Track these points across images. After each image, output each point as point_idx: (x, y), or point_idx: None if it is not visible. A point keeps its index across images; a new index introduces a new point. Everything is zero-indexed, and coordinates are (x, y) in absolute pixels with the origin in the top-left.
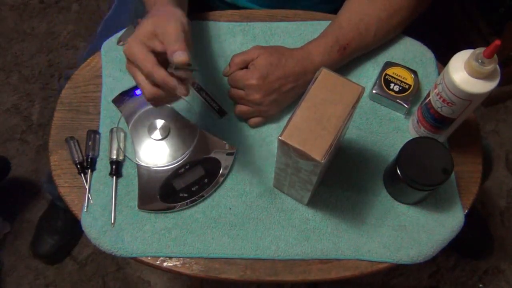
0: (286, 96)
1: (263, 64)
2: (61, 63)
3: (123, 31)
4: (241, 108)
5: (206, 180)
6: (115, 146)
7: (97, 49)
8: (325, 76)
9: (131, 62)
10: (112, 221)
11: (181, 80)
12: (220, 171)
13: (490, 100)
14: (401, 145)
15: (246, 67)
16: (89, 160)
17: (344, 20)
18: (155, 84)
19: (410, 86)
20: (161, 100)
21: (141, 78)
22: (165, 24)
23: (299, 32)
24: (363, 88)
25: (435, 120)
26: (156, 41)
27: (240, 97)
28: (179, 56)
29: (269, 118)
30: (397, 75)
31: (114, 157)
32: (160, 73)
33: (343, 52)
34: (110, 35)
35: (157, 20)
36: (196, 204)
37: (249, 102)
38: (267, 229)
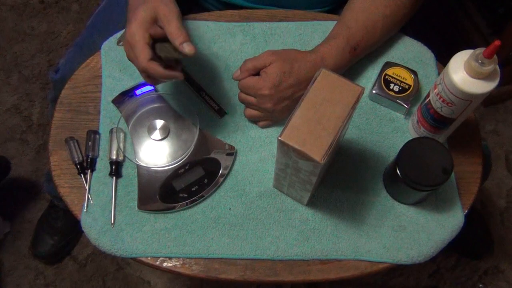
0: (298, 101)
1: (276, 73)
2: None
3: (122, 31)
4: (251, 112)
5: (206, 180)
6: (114, 146)
7: (86, 42)
8: (325, 76)
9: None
10: (112, 222)
11: (173, 63)
12: (220, 171)
13: (490, 100)
14: (401, 145)
15: (257, 72)
16: (89, 160)
17: (351, 20)
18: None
19: (410, 86)
20: (156, 81)
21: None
22: (165, 11)
23: (299, 32)
24: (363, 88)
25: (435, 120)
26: (156, 27)
27: (252, 103)
28: (188, 47)
29: (278, 121)
30: (397, 75)
31: (114, 157)
32: (155, 69)
33: (354, 52)
34: (101, 28)
35: (155, 5)
36: (196, 204)
37: (261, 109)
38: (267, 230)
